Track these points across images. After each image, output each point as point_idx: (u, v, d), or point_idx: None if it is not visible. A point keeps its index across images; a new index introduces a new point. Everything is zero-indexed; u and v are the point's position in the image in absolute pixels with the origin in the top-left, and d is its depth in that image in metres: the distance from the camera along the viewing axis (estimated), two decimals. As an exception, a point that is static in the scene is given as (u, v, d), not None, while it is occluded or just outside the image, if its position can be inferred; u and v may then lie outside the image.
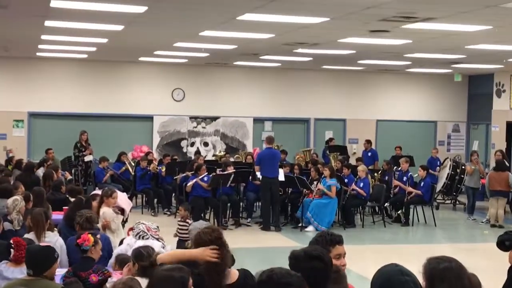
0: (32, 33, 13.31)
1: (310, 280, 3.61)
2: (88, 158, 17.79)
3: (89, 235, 6.54)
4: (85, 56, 18.00)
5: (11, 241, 6.40)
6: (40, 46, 15.79)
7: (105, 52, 16.78)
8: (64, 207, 9.96)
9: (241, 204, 15.59)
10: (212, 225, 5.14)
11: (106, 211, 8.93)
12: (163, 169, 16.45)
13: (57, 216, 9.66)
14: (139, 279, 5.21)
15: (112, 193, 9.47)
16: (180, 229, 10.38)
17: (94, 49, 16.05)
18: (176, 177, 15.81)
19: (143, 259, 5.68)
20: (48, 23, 11.66)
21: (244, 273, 4.67)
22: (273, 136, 14.85)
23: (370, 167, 17.71)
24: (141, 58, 18.31)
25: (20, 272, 6.00)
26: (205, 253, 4.52)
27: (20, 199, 8.68)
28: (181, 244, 9.36)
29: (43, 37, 13.86)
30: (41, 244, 6.85)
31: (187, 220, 10.49)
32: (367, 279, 4.04)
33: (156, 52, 16.47)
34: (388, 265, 3.44)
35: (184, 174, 15.53)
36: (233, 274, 4.61)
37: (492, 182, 15.35)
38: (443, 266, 3.77)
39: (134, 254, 5.94)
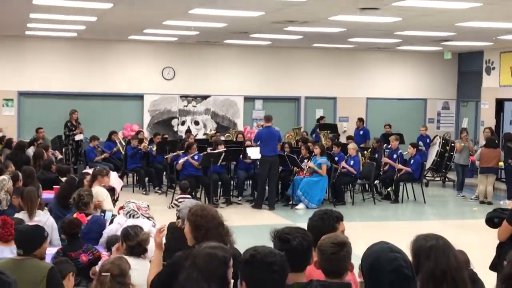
0: (20, 11, 13.22)
1: (291, 260, 3.65)
2: (78, 137, 17.77)
3: (82, 214, 6.58)
4: (74, 34, 17.90)
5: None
6: (29, 25, 15.69)
7: (94, 31, 16.69)
8: (54, 186, 9.97)
9: (232, 182, 15.64)
10: (204, 205, 5.15)
11: (98, 190, 8.92)
12: (154, 148, 16.46)
13: (48, 195, 9.67)
14: (127, 258, 5.25)
15: (107, 173, 9.51)
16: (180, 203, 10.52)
17: (83, 27, 15.96)
18: (167, 156, 15.82)
19: (130, 239, 5.71)
20: (36, 1, 11.58)
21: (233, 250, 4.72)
22: (271, 115, 14.77)
23: (361, 145, 17.79)
24: (131, 37, 18.23)
25: (9, 251, 6.01)
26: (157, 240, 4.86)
27: (8, 179, 8.66)
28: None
29: (32, 15, 13.77)
30: (31, 222, 6.87)
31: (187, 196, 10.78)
32: (357, 256, 4.06)
33: (145, 31, 16.40)
34: (378, 243, 3.42)
35: (175, 153, 15.54)
36: None
37: (484, 159, 15.38)
38: (429, 244, 3.83)
39: (122, 233, 5.97)
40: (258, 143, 14.52)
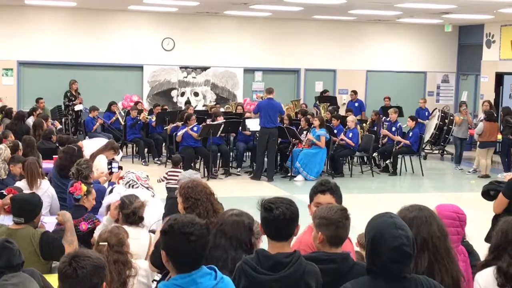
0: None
1: (274, 228, 3.74)
2: (78, 107, 17.78)
3: (82, 184, 6.61)
4: (74, 4, 17.82)
5: (5, 192, 6.48)
6: (28, -6, 15.63)
7: (94, 0, 16.62)
8: (54, 156, 10.01)
9: (231, 154, 15.70)
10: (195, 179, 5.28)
11: (102, 161, 8.93)
12: (153, 119, 16.49)
13: (48, 164, 9.72)
14: (126, 227, 5.32)
15: (118, 151, 9.59)
16: (170, 176, 10.56)
17: (83, -3, 15.90)
18: (166, 127, 15.86)
19: (125, 207, 5.78)
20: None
21: None
22: (272, 88, 14.76)
23: (357, 118, 17.81)
24: (131, 7, 18.16)
25: (10, 220, 6.08)
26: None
27: (4, 147, 8.69)
28: (170, 193, 9.44)
29: (31, -15, 13.72)
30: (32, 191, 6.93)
31: (178, 169, 10.68)
32: (354, 227, 4.13)
33: (145, 1, 16.34)
34: (383, 215, 3.42)
35: (174, 124, 15.57)
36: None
37: (487, 133, 15.35)
38: (412, 214, 3.92)
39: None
40: (258, 114, 14.55)
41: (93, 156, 9.07)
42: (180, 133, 14.62)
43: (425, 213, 3.96)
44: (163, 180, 10.76)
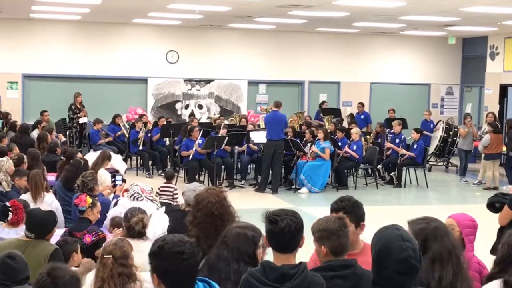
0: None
1: (279, 241, 3.71)
2: (82, 120, 17.79)
3: (87, 197, 6.62)
4: (78, 17, 17.90)
5: (8, 204, 6.47)
6: (33, 8, 15.70)
7: (98, 14, 16.69)
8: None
9: (235, 166, 15.69)
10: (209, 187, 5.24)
11: (104, 174, 8.93)
12: (149, 134, 16.50)
13: (52, 177, 9.73)
14: (131, 239, 5.31)
15: (111, 157, 9.61)
16: (162, 191, 10.37)
17: (87, 10, 15.97)
18: (166, 139, 15.83)
19: (126, 220, 5.79)
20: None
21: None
22: (281, 102, 14.77)
23: (363, 130, 17.81)
24: (135, 20, 18.22)
25: (15, 233, 6.08)
26: None
27: (6, 160, 8.70)
28: (167, 207, 9.37)
29: (36, -2, 13.78)
30: (38, 205, 6.93)
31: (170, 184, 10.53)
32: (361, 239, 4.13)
33: (150, 14, 16.40)
34: (390, 227, 3.41)
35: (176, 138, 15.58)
36: None
37: (493, 145, 15.27)
38: (433, 225, 3.93)
39: (124, 216, 6.03)
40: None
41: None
42: (188, 152, 14.51)
43: (442, 224, 3.97)
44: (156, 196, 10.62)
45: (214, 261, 4.07)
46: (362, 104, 19.86)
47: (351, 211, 4.41)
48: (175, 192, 10.18)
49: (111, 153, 10.62)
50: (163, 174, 16.01)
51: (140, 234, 5.73)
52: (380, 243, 3.34)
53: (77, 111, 17.85)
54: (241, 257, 4.08)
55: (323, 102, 20.24)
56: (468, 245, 4.51)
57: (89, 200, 6.53)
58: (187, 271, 3.28)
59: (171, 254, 3.24)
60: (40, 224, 5.46)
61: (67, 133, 17.47)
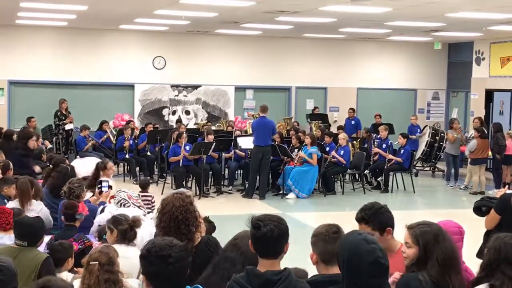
0: (11, 0, 13.18)
1: (262, 246, 3.69)
2: (68, 126, 17.70)
3: (85, 205, 6.62)
4: (65, 23, 17.85)
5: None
6: (19, 14, 15.64)
7: (85, 20, 16.65)
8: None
9: (222, 172, 15.67)
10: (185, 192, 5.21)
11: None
12: (136, 141, 16.46)
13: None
14: (117, 246, 5.29)
15: (106, 164, 9.53)
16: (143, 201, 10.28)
17: (74, 16, 15.92)
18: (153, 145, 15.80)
19: (122, 223, 5.76)
20: (27, -10, 11.56)
21: (206, 238, 4.90)
22: (267, 105, 14.74)
23: (353, 135, 17.86)
24: (122, 26, 18.19)
25: (9, 239, 6.05)
26: None
27: None
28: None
29: (22, 4, 13.72)
30: (26, 213, 6.89)
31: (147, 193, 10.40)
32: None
33: (136, 20, 16.38)
34: (351, 234, 3.42)
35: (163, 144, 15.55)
36: (196, 239, 4.83)
37: (480, 150, 15.32)
38: (434, 228, 3.98)
39: (111, 221, 5.99)
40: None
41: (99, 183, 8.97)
42: (177, 158, 14.48)
43: (442, 228, 4.01)
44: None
45: (220, 260, 4.13)
46: (353, 110, 19.93)
47: (372, 220, 4.44)
48: (153, 200, 10.00)
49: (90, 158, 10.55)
50: (150, 181, 15.99)
51: (135, 235, 5.72)
52: (347, 251, 3.32)
53: (63, 118, 17.77)
54: (247, 262, 4.05)
55: (315, 107, 20.30)
56: None
57: (86, 208, 6.55)
58: (174, 274, 3.29)
59: (157, 258, 3.27)
60: (31, 231, 5.45)
61: (54, 139, 17.39)
